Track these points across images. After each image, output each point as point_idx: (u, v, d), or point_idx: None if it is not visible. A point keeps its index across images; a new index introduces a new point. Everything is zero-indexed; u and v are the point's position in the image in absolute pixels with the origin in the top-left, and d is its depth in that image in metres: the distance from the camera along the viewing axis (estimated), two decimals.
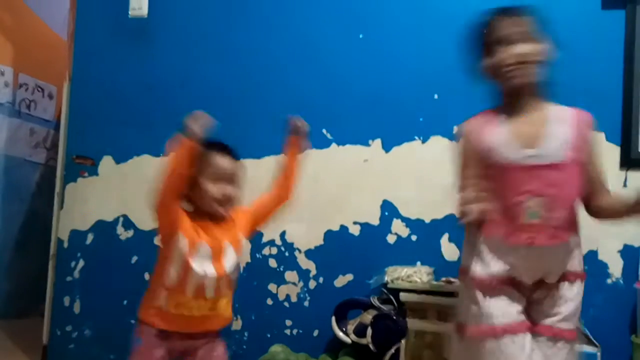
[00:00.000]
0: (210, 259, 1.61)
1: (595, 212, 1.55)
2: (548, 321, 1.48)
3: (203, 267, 1.59)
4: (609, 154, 2.30)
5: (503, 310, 1.45)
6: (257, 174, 2.66)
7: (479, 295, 1.47)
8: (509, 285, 1.48)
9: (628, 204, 1.43)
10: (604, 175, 1.55)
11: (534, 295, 1.50)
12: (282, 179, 1.82)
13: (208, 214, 1.64)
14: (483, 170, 1.49)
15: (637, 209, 1.41)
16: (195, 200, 1.64)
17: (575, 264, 1.51)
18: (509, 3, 1.56)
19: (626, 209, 1.45)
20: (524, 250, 1.45)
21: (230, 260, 1.65)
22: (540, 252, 1.45)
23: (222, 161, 1.64)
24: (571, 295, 1.49)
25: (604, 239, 2.31)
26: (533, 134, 1.46)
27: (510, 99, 1.52)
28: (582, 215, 2.12)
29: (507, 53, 1.46)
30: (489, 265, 1.48)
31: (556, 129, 1.46)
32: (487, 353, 1.44)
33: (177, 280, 1.58)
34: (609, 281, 2.31)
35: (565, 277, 1.49)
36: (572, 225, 1.50)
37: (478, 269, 1.49)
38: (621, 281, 2.31)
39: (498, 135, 1.48)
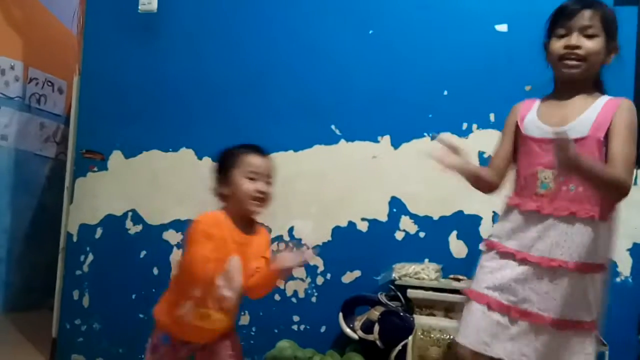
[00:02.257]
0: (239, 272, 1.58)
1: None
2: None
3: (231, 281, 1.55)
4: None
5: None
6: None
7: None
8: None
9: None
10: (624, 155, 1.44)
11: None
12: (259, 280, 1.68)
13: (240, 216, 1.67)
14: (515, 144, 1.59)
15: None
16: (230, 197, 1.68)
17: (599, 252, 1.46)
18: None
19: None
20: (536, 219, 1.48)
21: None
22: (549, 225, 1.46)
23: (257, 159, 1.69)
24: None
25: None
26: (564, 115, 1.50)
27: (560, 86, 1.56)
28: None
29: (560, 42, 1.50)
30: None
31: (588, 113, 1.49)
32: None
33: (203, 292, 1.60)
34: (617, 280, 2.30)
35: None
36: (593, 204, 1.45)
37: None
38: (630, 280, 2.29)
39: (532, 112, 1.57)
